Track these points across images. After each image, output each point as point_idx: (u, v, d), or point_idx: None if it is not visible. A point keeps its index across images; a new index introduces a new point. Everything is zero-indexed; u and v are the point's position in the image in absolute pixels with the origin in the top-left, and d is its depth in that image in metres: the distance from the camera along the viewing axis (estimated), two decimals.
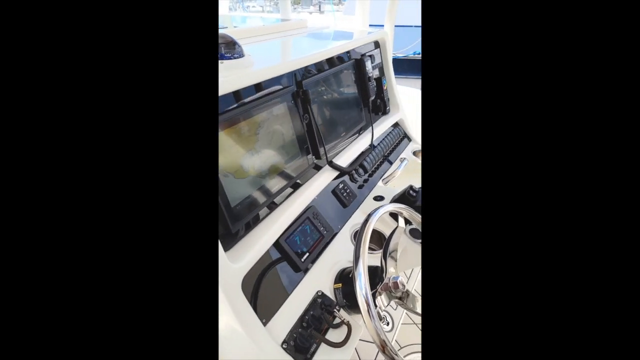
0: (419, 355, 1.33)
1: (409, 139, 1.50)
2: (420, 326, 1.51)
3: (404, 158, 1.35)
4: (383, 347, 0.57)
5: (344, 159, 1.08)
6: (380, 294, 0.71)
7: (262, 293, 0.69)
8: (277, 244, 0.76)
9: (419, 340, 1.37)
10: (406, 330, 1.52)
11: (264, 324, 0.65)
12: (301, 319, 0.70)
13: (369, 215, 0.69)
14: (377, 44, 1.35)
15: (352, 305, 0.77)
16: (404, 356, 0.85)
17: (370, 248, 1.02)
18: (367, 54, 1.24)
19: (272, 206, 0.81)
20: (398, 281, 0.71)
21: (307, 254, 0.81)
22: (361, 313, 0.59)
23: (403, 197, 1.02)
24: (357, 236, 0.65)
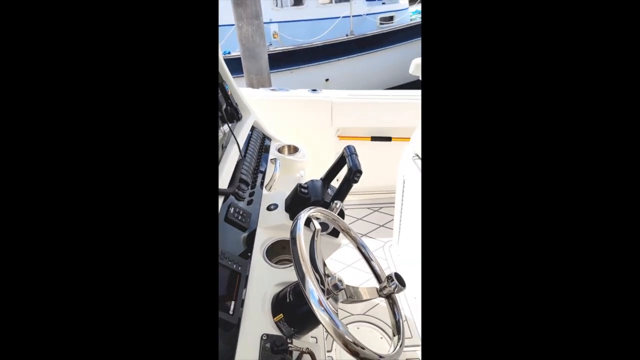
0: (357, 323, 1.43)
1: (269, 139, 1.48)
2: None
3: (274, 158, 1.33)
4: (348, 345, 0.55)
5: (222, 180, 0.95)
6: (328, 299, 0.68)
7: None
8: None
9: (351, 313, 1.46)
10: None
11: None
12: None
13: (292, 232, 0.63)
14: None
15: (300, 329, 0.71)
16: (347, 325, 0.88)
17: (286, 260, 0.96)
18: None
19: None
20: (337, 281, 0.70)
21: (232, 301, 0.68)
22: (324, 327, 0.55)
23: (296, 197, 1.00)
24: (294, 261, 0.59)
